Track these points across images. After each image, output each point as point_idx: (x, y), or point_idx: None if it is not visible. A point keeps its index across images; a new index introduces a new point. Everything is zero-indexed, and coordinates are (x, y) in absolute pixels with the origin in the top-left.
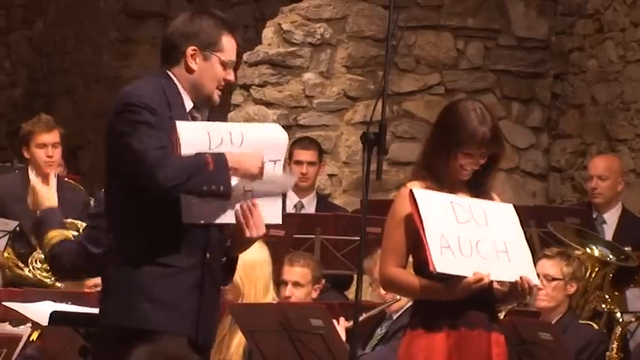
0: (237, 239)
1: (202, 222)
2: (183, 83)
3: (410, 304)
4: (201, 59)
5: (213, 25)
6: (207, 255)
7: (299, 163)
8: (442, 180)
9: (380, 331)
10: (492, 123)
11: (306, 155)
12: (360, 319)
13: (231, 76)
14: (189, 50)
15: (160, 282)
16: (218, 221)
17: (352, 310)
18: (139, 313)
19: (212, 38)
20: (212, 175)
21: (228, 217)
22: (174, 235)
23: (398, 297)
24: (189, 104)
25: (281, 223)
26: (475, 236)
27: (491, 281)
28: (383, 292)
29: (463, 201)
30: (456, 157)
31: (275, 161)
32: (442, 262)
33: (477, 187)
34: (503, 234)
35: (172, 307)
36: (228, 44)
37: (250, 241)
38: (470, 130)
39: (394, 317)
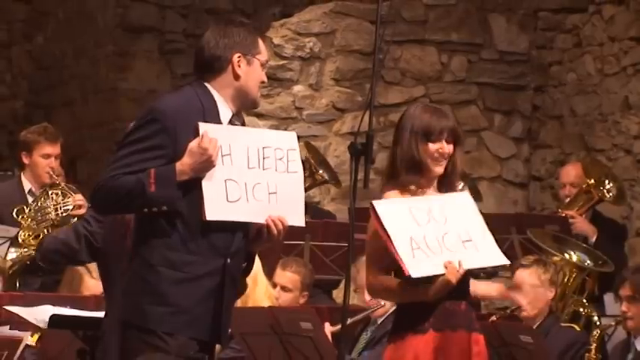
0: (258, 238)
1: (225, 219)
2: (226, 91)
3: (393, 308)
4: (245, 64)
5: (248, 31)
6: (228, 260)
7: None
8: (415, 183)
9: (365, 336)
10: (441, 108)
11: None
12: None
13: (265, 77)
14: (235, 57)
15: (176, 287)
16: (241, 219)
17: (339, 314)
18: (154, 316)
19: (251, 43)
20: (152, 196)
21: (252, 216)
22: (195, 241)
23: (382, 302)
24: (227, 114)
25: (304, 225)
26: (440, 232)
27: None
28: (367, 298)
29: (421, 204)
30: (424, 148)
31: (281, 158)
32: (416, 266)
33: (447, 186)
34: (464, 224)
35: (188, 312)
36: (263, 46)
37: (269, 244)
38: (425, 115)
39: (379, 322)
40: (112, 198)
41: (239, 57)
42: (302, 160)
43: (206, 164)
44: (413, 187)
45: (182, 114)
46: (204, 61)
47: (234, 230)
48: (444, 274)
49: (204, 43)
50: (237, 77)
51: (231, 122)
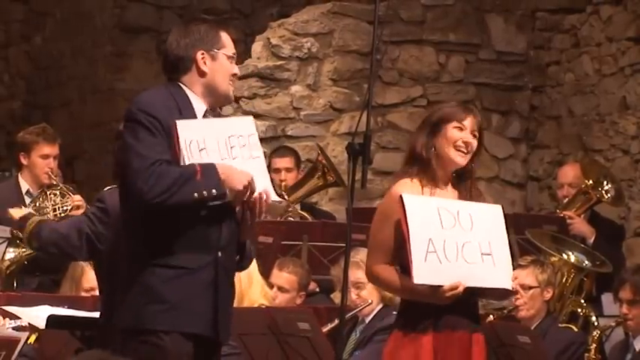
0: (243, 225)
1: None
2: (197, 89)
3: (380, 307)
4: (210, 60)
5: (209, 27)
6: (219, 254)
7: (277, 170)
8: (433, 172)
9: (354, 336)
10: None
11: (282, 162)
12: (332, 325)
13: (236, 70)
14: (198, 55)
15: (169, 284)
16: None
17: (337, 314)
18: (149, 315)
19: (213, 38)
20: (200, 183)
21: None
22: (184, 236)
23: (369, 300)
24: (201, 108)
25: (278, 199)
26: (461, 239)
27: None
28: (354, 296)
29: (451, 205)
30: (445, 135)
31: (244, 145)
32: (423, 271)
33: (465, 187)
34: (488, 236)
35: (182, 307)
36: (227, 39)
37: (254, 226)
38: (450, 105)
39: (367, 321)
40: (172, 186)
41: (202, 54)
42: (315, 161)
43: (241, 198)
44: (424, 179)
45: (163, 109)
46: (170, 63)
47: (222, 223)
48: (442, 287)
49: (168, 45)
50: (202, 74)
51: (205, 117)
